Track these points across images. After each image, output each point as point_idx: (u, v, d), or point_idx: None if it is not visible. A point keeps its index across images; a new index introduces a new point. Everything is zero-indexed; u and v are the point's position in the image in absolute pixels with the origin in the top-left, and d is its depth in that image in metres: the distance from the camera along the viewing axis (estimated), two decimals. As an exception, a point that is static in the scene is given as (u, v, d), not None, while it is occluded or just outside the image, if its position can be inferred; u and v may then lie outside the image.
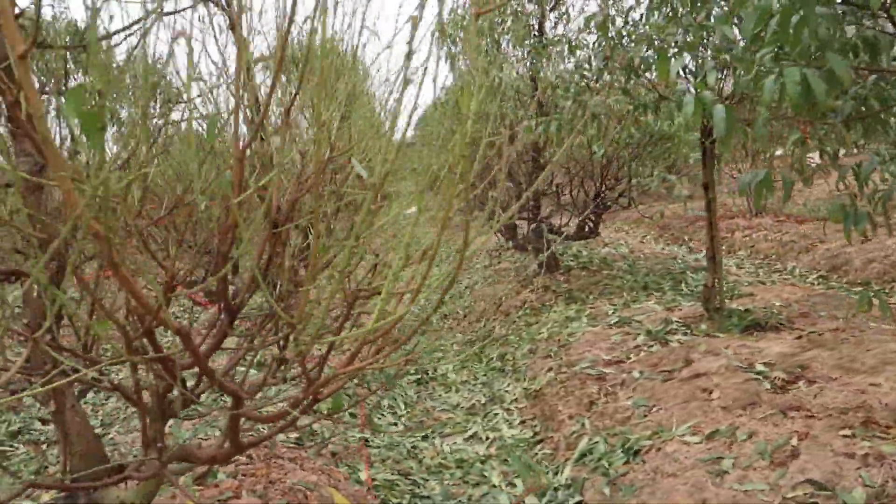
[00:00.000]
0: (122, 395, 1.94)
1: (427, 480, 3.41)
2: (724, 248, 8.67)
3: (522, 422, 4.04)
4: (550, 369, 4.44)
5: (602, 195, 7.19)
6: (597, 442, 3.27)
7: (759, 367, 3.39)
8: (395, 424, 4.18)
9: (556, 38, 5.76)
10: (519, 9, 6.35)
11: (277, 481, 2.67)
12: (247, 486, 2.57)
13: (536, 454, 3.56)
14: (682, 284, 6.11)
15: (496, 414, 4.25)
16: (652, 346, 4.20)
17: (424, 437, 4.00)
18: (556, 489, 3.10)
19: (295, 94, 1.56)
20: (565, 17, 6.76)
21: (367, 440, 3.75)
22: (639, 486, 2.74)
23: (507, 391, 4.56)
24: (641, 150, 6.38)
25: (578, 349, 4.49)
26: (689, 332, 4.33)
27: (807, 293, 5.16)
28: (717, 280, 4.52)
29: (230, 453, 1.84)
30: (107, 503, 2.04)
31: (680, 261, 7.65)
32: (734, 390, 3.13)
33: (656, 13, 3.58)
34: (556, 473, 3.28)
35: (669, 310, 4.96)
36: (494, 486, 3.32)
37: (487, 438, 3.92)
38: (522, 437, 3.83)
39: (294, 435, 3.26)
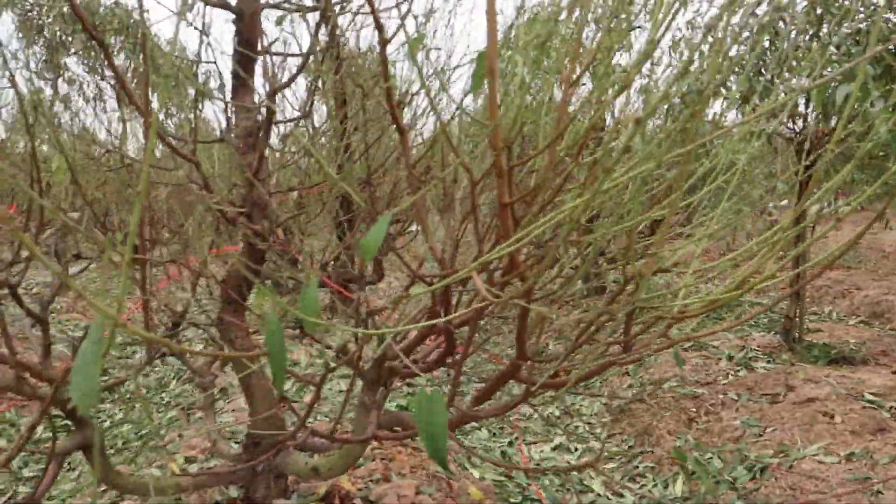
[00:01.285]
0: (343, 360, 1.88)
1: (529, 485, 3.34)
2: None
3: (611, 435, 3.99)
4: (631, 386, 4.40)
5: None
6: (710, 458, 3.23)
7: (869, 397, 3.38)
8: (480, 429, 4.11)
9: None
10: None
11: (418, 467, 2.60)
12: (394, 468, 2.50)
13: (637, 467, 3.51)
14: (744, 315, 6.13)
15: (577, 426, 4.20)
16: (738, 370, 4.19)
17: (510, 444, 3.94)
18: (672, 500, 3.05)
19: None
20: None
21: (461, 442, 3.68)
22: (777, 501, 2.71)
23: (582, 405, 4.51)
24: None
25: (659, 368, 4.47)
26: (771, 360, 4.33)
27: (873, 334, 5.19)
28: (798, 312, 4.54)
29: (460, 421, 1.78)
30: (292, 469, 1.97)
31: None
32: (857, 416, 3.11)
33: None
34: (665, 487, 3.23)
35: (741, 338, 4.96)
36: (599, 494, 3.26)
37: (576, 449, 3.86)
38: (615, 449, 3.78)
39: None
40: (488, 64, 0.85)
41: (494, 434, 4.06)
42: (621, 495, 3.23)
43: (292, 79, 1.75)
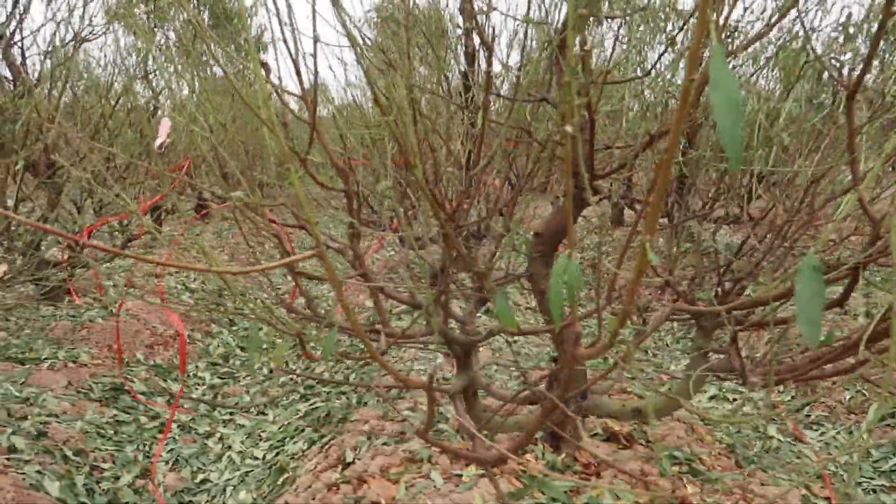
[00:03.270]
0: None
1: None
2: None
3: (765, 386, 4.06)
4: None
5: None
6: None
7: None
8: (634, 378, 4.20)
9: None
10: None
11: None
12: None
13: (809, 416, 3.59)
14: None
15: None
16: None
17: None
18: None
19: None
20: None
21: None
22: None
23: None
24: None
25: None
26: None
27: None
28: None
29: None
30: (606, 410, 2.04)
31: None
32: None
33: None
34: (849, 433, 3.31)
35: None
36: (780, 440, 3.35)
37: (733, 399, 3.95)
38: (786, 398, 3.86)
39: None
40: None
41: (647, 384, 4.14)
42: (803, 441, 3.31)
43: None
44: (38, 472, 2.49)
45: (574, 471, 2.07)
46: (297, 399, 3.67)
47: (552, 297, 1.03)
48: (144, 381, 3.71)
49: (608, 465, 2.09)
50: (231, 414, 3.60)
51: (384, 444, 2.40)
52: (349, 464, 2.36)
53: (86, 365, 3.62)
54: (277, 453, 3.04)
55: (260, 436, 3.31)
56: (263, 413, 3.62)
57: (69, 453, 2.72)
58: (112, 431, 3.11)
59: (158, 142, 3.72)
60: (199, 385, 3.95)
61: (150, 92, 5.69)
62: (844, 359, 1.67)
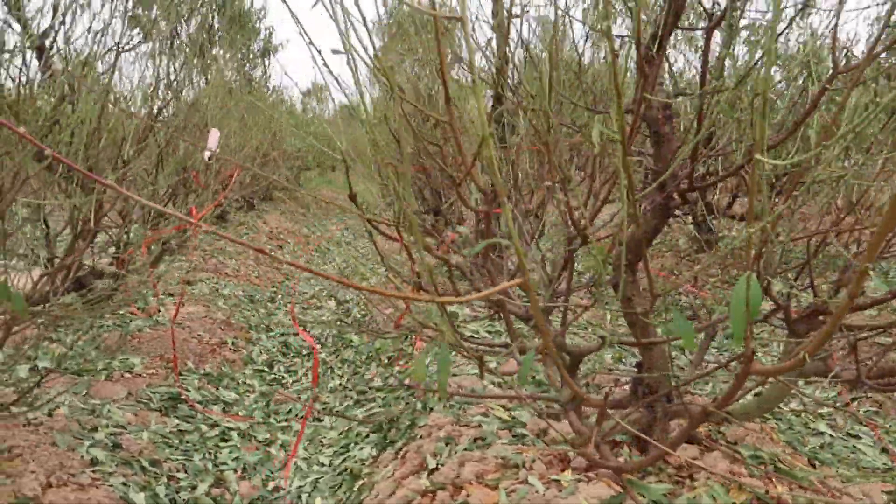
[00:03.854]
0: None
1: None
2: None
3: (809, 382, 4.12)
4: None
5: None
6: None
7: None
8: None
9: None
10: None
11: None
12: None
13: (859, 410, 3.65)
14: None
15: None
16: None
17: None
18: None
19: None
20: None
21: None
22: None
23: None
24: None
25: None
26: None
27: None
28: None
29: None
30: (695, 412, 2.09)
31: None
32: None
33: None
34: (900, 428, 3.36)
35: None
36: (832, 435, 3.41)
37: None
38: (830, 395, 3.92)
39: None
40: None
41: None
42: (858, 436, 3.37)
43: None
44: (123, 483, 2.52)
45: (667, 473, 2.11)
46: (351, 405, 3.71)
47: (734, 314, 1.07)
48: (198, 389, 3.74)
49: (699, 468, 2.14)
50: (286, 420, 3.64)
51: (466, 449, 2.44)
52: (433, 470, 2.39)
53: (141, 375, 3.65)
54: (344, 459, 3.08)
55: (321, 442, 3.35)
56: (318, 419, 3.65)
57: (146, 464, 2.75)
58: (177, 441, 3.15)
59: (208, 153, 3.73)
60: (249, 392, 3.99)
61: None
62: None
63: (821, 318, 1.99)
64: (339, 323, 4.98)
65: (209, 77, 6.40)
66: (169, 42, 4.68)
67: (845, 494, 2.23)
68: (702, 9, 1.69)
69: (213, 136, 3.53)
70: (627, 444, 2.30)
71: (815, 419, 3.61)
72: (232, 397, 3.81)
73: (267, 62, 12.67)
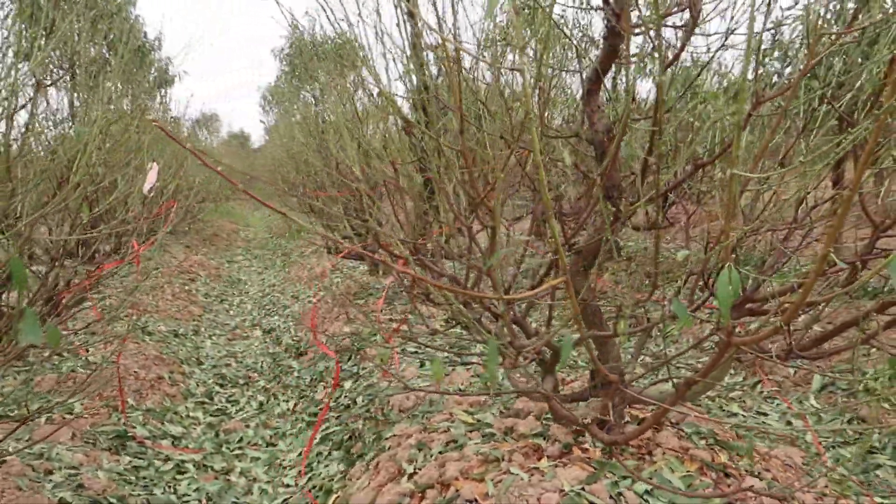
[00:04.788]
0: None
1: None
2: None
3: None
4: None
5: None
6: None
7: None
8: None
9: None
10: None
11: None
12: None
13: (762, 392, 4.11)
14: None
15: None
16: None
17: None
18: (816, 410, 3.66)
19: None
20: None
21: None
22: None
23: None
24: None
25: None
26: None
27: None
28: None
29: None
30: (658, 397, 2.37)
31: None
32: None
33: None
34: (801, 402, 3.85)
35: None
36: (744, 416, 3.84)
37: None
38: (737, 380, 4.37)
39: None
40: None
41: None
42: (766, 413, 3.82)
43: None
44: (100, 522, 2.49)
45: (629, 452, 2.38)
46: (303, 427, 3.76)
47: (720, 295, 1.33)
48: (143, 425, 3.67)
49: (656, 445, 2.42)
50: (240, 448, 3.64)
51: (441, 452, 2.61)
52: (411, 474, 2.54)
53: (83, 416, 3.54)
54: (309, 478, 3.15)
55: (281, 465, 3.39)
56: (272, 444, 3.68)
57: (114, 501, 2.71)
58: (133, 477, 3.10)
59: (147, 187, 3.74)
60: (194, 424, 3.94)
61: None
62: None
63: (747, 306, 2.33)
64: (353, 337, 4.99)
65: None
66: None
67: (772, 457, 2.59)
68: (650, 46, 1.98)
69: (153, 171, 3.52)
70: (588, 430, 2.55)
71: (727, 402, 4.05)
72: (178, 431, 3.76)
73: (164, 92, 12.30)
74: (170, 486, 3.11)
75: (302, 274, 8.11)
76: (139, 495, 2.92)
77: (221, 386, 4.67)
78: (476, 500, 2.15)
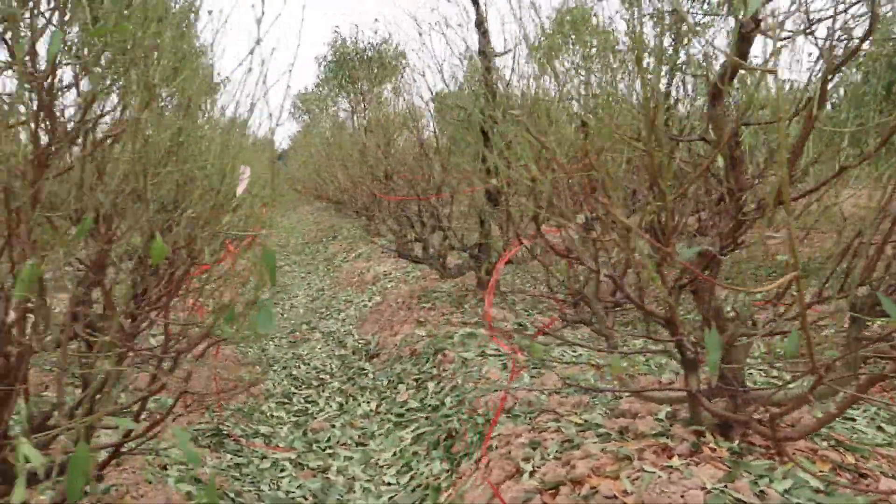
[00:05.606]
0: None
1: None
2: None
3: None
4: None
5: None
6: None
7: None
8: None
9: None
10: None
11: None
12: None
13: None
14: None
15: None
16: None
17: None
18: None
19: None
20: None
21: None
22: None
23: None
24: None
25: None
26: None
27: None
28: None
29: None
30: (767, 399, 2.37)
31: None
32: None
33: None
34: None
35: None
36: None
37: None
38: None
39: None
40: None
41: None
42: (853, 419, 3.79)
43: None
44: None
45: (759, 452, 2.38)
46: (391, 427, 3.80)
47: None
48: (235, 424, 3.72)
49: (784, 444, 2.42)
50: (330, 448, 3.68)
51: (558, 451, 2.62)
52: (532, 472, 2.56)
53: (181, 414, 3.60)
54: (411, 477, 3.18)
55: (377, 464, 3.42)
56: (362, 444, 3.72)
57: (232, 495, 2.76)
58: (237, 474, 3.15)
59: (241, 189, 3.80)
60: (280, 425, 3.99)
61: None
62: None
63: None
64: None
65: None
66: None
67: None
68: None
69: (245, 174, 3.60)
70: (709, 430, 2.55)
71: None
72: (267, 430, 3.81)
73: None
74: (273, 483, 3.15)
75: (352, 279, 8.17)
76: (249, 491, 2.97)
77: (296, 387, 4.72)
78: (616, 497, 2.16)
